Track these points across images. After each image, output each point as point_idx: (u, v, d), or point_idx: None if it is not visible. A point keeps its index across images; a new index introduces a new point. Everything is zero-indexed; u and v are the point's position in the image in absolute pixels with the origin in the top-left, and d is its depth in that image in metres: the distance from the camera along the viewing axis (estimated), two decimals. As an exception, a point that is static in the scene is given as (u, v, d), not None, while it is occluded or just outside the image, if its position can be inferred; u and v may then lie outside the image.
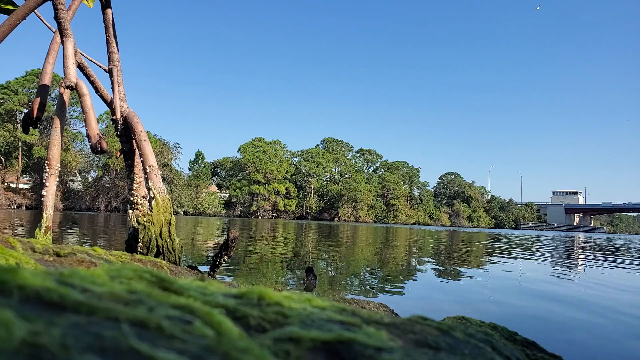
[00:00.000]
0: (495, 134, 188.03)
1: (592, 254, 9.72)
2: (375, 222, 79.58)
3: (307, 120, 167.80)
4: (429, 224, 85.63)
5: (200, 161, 72.74)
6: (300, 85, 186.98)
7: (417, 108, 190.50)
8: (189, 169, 72.06)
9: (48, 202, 3.01)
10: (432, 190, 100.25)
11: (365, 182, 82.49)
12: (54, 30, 3.20)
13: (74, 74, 2.90)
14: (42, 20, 3.37)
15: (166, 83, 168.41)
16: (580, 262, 7.47)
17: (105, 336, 0.38)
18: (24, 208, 47.31)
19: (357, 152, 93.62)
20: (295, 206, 77.19)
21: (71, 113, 52.74)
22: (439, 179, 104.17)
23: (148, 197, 3.17)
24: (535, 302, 3.13)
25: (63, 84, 2.91)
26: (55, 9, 2.86)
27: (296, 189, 78.24)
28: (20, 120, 49.38)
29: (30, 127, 2.97)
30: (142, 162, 3.19)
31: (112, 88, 3.35)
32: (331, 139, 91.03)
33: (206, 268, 3.22)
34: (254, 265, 4.64)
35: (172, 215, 3.21)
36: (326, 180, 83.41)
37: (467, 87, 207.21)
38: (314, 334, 0.51)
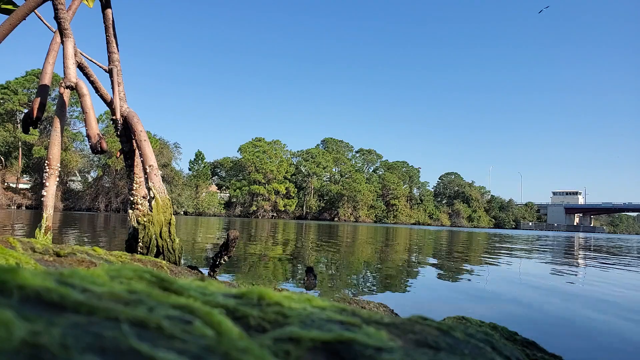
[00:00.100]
0: (495, 134, 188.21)
1: (592, 254, 9.72)
2: (375, 222, 79.59)
3: (307, 120, 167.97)
4: (429, 224, 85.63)
5: (200, 161, 72.75)
6: (300, 85, 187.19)
7: (417, 108, 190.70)
8: (189, 169, 72.12)
9: (48, 202, 3.01)
10: (432, 190, 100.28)
11: (365, 182, 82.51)
12: (54, 30, 3.20)
13: (74, 74, 2.90)
14: (42, 20, 3.37)
15: (166, 83, 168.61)
16: (580, 262, 7.47)
17: (105, 336, 0.38)
18: (24, 208, 47.32)
19: (357, 152, 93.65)
20: (295, 206, 77.20)
21: (71, 113, 52.75)
22: (439, 179, 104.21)
23: (148, 197, 3.17)
24: (535, 302, 3.13)
25: (63, 84, 2.91)
26: (55, 9, 2.86)
27: (296, 189, 78.26)
28: (20, 120, 49.38)
29: (30, 127, 2.97)
30: (142, 162, 3.19)
31: (112, 88, 3.35)
32: (331, 139, 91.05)
33: (206, 268, 3.22)
34: (254, 265, 4.64)
35: (172, 215, 3.21)
36: (326, 180, 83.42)
37: (467, 87, 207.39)
38: (314, 334, 0.51)
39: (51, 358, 0.33)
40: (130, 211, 3.20)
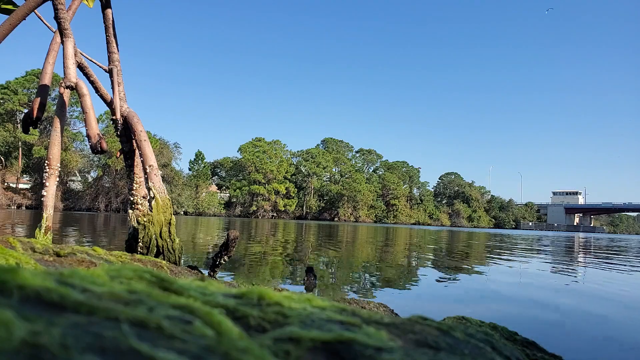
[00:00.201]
0: (495, 134, 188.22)
1: (592, 254, 9.72)
2: (375, 222, 79.59)
3: (307, 120, 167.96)
4: (429, 224, 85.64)
5: (200, 161, 72.76)
6: (300, 85, 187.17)
7: (417, 108, 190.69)
8: (189, 169, 72.13)
9: (48, 202, 3.01)
10: (432, 190, 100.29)
11: (365, 182, 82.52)
12: (54, 30, 3.20)
13: (74, 74, 2.90)
14: (42, 20, 3.37)
15: (166, 83, 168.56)
16: (580, 262, 7.47)
17: (105, 336, 0.38)
18: (24, 208, 47.33)
19: (357, 152, 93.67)
20: (295, 206, 77.21)
21: (71, 113, 52.76)
22: (439, 179, 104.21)
23: (148, 197, 3.17)
24: (535, 302, 3.13)
25: (63, 84, 2.91)
26: (55, 9, 2.86)
27: (296, 189, 78.27)
28: (20, 120, 49.39)
29: (30, 127, 2.98)
30: (142, 162, 3.19)
31: (112, 88, 3.35)
32: (331, 139, 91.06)
33: (206, 268, 3.22)
34: (254, 265, 4.64)
35: (172, 215, 3.21)
36: (326, 180, 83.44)
37: (467, 87, 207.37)
38: (314, 334, 0.51)
39: (51, 358, 0.33)
40: (130, 211, 3.20)
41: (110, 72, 3.39)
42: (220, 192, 76.87)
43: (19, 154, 51.87)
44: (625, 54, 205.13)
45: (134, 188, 3.25)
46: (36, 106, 2.92)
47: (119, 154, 3.40)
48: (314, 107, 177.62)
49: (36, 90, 3.08)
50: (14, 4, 3.18)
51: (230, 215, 68.39)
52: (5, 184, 51.33)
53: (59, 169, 3.09)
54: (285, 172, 76.07)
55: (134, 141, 3.30)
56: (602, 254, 10.07)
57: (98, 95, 3.32)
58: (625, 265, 6.86)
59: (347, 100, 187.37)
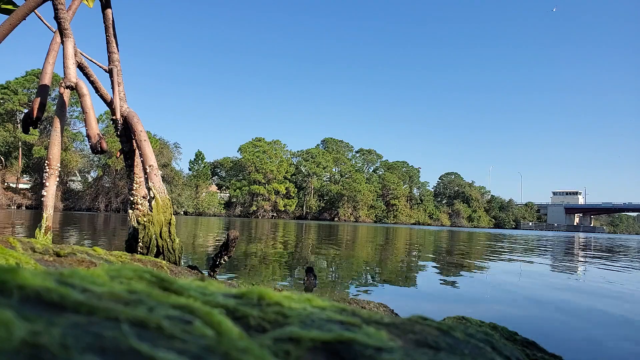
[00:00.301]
0: (495, 134, 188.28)
1: (592, 254, 9.72)
2: (375, 222, 79.58)
3: (307, 120, 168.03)
4: (429, 224, 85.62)
5: (200, 161, 72.75)
6: (300, 85, 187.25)
7: (417, 108, 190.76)
8: (189, 169, 72.12)
9: (48, 202, 3.01)
10: (432, 190, 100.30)
11: (365, 182, 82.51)
12: (54, 30, 3.20)
13: (74, 74, 2.90)
14: (42, 20, 3.37)
15: (166, 83, 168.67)
16: (580, 262, 7.47)
17: (105, 336, 0.38)
18: (24, 208, 47.32)
19: (357, 152, 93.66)
20: (295, 206, 77.21)
21: (71, 113, 52.76)
22: (439, 179, 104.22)
23: (148, 197, 3.17)
24: (535, 302, 3.13)
25: (63, 84, 2.91)
26: (55, 9, 2.86)
27: (296, 189, 78.26)
28: (20, 120, 49.38)
29: (30, 127, 2.97)
30: (142, 162, 3.19)
31: (112, 88, 3.35)
32: (331, 139, 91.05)
33: (206, 268, 3.22)
34: (254, 265, 4.64)
35: (172, 215, 3.21)
36: (326, 180, 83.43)
37: (467, 87, 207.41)
38: (314, 334, 0.51)
39: (51, 358, 0.33)
40: (130, 211, 3.20)
41: (110, 72, 3.39)
42: (220, 192, 76.87)
43: (19, 154, 51.86)
44: (625, 54, 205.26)
45: (134, 188, 3.25)
46: (36, 106, 2.92)
47: (119, 154, 3.40)
48: (314, 107, 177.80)
49: (36, 90, 3.08)
50: (14, 4, 3.18)
51: (230, 215, 68.38)
52: (5, 184, 51.32)
53: (59, 169, 3.09)
54: (285, 172, 76.07)
55: (134, 141, 3.30)
56: (602, 253, 10.06)
57: (98, 95, 3.32)
58: (625, 265, 6.86)
59: (347, 100, 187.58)
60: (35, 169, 51.73)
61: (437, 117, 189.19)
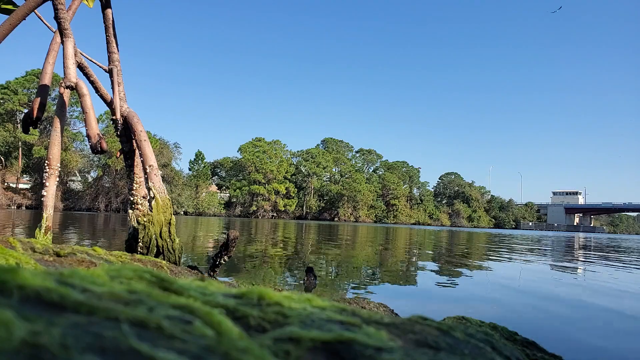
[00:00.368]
0: (495, 134, 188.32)
1: (592, 254, 9.72)
2: (375, 222, 79.59)
3: (307, 120, 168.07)
4: (429, 224, 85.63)
5: (200, 161, 72.75)
6: (300, 85, 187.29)
7: (417, 108, 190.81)
8: (189, 169, 72.12)
9: (48, 202, 3.01)
10: (432, 190, 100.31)
11: (365, 182, 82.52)
12: (54, 30, 3.20)
13: (74, 74, 2.90)
14: (42, 20, 3.37)
15: (166, 83, 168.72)
16: (580, 262, 7.47)
17: (105, 336, 0.38)
18: (24, 208, 47.32)
19: (357, 152, 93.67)
20: (295, 206, 77.21)
21: (71, 113, 52.76)
22: (439, 179, 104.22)
23: (148, 197, 3.17)
24: (535, 302, 3.13)
25: (63, 84, 2.91)
26: (55, 9, 2.86)
27: (296, 189, 78.26)
28: (20, 120, 49.39)
29: (30, 127, 2.97)
30: (142, 162, 3.19)
31: (112, 88, 3.35)
32: (331, 139, 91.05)
33: (206, 268, 3.22)
34: (254, 265, 4.64)
35: (172, 215, 3.21)
36: (326, 180, 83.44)
37: (467, 87, 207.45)
38: (314, 334, 0.51)
39: (51, 358, 0.33)
40: (130, 211, 3.20)
41: (110, 72, 3.39)
42: (220, 192, 76.87)
43: (19, 154, 51.86)
44: (625, 54, 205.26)
45: (134, 188, 3.25)
46: (36, 106, 2.92)
47: (119, 154, 3.40)
48: (314, 107, 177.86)
49: (36, 90, 3.08)
50: (14, 4, 3.18)
51: (230, 215, 68.38)
52: (5, 184, 51.33)
53: (59, 169, 3.09)
54: (285, 172, 76.07)
55: (134, 141, 3.30)
56: (602, 253, 10.07)
57: (98, 95, 3.32)
58: (625, 265, 6.86)
59: (347, 100, 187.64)
60: (35, 169, 51.74)
61: (437, 117, 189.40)
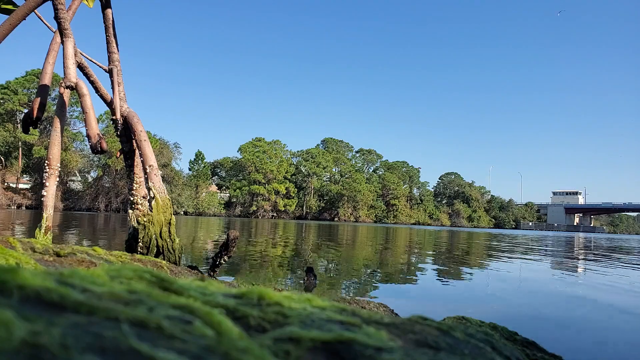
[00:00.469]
0: (495, 134, 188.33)
1: (592, 254, 9.72)
2: (375, 222, 79.60)
3: (307, 120, 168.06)
4: (429, 224, 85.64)
5: (200, 161, 72.76)
6: (300, 85, 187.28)
7: (417, 108, 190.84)
8: (189, 169, 72.12)
9: (48, 202, 3.01)
10: (432, 190, 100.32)
11: (365, 182, 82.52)
12: (54, 30, 3.20)
13: (74, 74, 2.90)
14: (42, 20, 3.37)
15: (166, 83, 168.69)
16: (580, 262, 7.47)
17: (105, 336, 0.38)
18: (24, 208, 47.33)
19: (357, 152, 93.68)
20: (295, 206, 77.21)
21: (71, 113, 52.76)
22: (439, 179, 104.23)
23: (148, 197, 3.17)
24: (535, 302, 3.13)
25: (63, 84, 2.91)
26: (55, 9, 2.86)
27: (296, 189, 78.27)
28: (20, 120, 49.40)
29: (30, 127, 2.97)
30: (142, 162, 3.19)
31: (112, 88, 3.35)
32: (331, 139, 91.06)
33: (206, 268, 3.22)
34: (254, 265, 4.64)
35: (172, 215, 3.21)
36: (326, 180, 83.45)
37: (467, 87, 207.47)
38: (314, 334, 0.51)
39: (51, 358, 0.33)
40: (130, 211, 3.20)
41: (110, 72, 3.39)
42: (220, 192, 76.88)
43: (19, 154, 51.87)
44: (625, 54, 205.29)
45: (134, 188, 3.25)
46: (36, 106, 2.92)
47: (119, 154, 3.40)
48: (314, 107, 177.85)
49: (36, 90, 3.08)
50: (14, 4, 3.18)
51: (230, 215, 68.39)
52: (5, 184, 51.33)
53: (59, 169, 3.09)
54: (285, 172, 76.08)
55: (134, 141, 3.30)
56: (602, 253, 10.06)
57: (98, 95, 3.32)
58: (625, 265, 6.86)
59: (347, 100, 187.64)
60: (35, 169, 51.74)
61: (437, 117, 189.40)
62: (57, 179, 3.10)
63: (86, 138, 2.97)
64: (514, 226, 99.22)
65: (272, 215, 73.91)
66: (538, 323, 2.47)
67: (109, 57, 3.43)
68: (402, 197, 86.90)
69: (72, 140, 53.58)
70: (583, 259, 8.09)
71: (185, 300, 0.51)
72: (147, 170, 3.15)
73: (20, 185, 53.78)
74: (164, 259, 2.95)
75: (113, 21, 3.42)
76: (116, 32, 3.44)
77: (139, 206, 3.16)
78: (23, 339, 0.34)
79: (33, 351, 0.34)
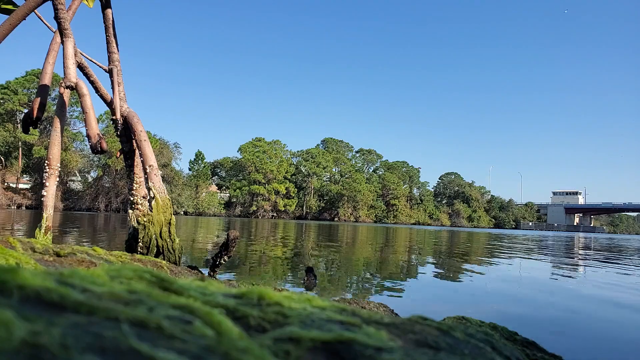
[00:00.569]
0: (495, 134, 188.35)
1: (592, 254, 9.72)
2: (375, 222, 79.60)
3: (307, 120, 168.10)
4: (429, 224, 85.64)
5: (200, 161, 72.78)
6: (300, 85, 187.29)
7: (417, 108, 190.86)
8: (189, 169, 72.16)
9: (48, 202, 3.01)
10: (432, 190, 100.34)
11: (365, 182, 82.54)
12: (54, 30, 3.20)
13: (74, 74, 2.90)
14: (42, 20, 3.37)
15: (166, 83, 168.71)
16: (580, 262, 7.47)
17: (105, 336, 0.38)
18: (24, 208, 47.33)
19: (357, 152, 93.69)
20: (295, 206, 77.23)
21: (71, 113, 52.77)
22: (439, 179, 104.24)
23: (148, 197, 3.17)
24: (535, 302, 3.13)
25: (63, 84, 2.91)
26: (55, 9, 2.86)
27: (296, 189, 78.28)
28: (20, 120, 49.40)
29: (30, 127, 2.97)
30: (142, 162, 3.19)
31: (112, 88, 3.35)
32: (331, 139, 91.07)
33: (206, 268, 3.22)
34: (254, 265, 4.64)
35: (172, 215, 3.21)
36: (326, 180, 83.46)
37: (467, 87, 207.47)
38: (314, 334, 0.51)
39: (51, 358, 0.33)
40: (130, 211, 3.20)
41: (110, 72, 3.39)
42: (220, 192, 76.89)
43: (19, 154, 51.88)
44: (625, 54, 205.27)
45: (134, 188, 3.25)
46: (36, 106, 2.92)
47: (119, 154, 3.40)
48: (314, 107, 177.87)
49: (36, 90, 3.08)
50: (14, 4, 3.18)
51: (230, 215, 68.39)
52: (5, 184, 51.34)
53: (59, 169, 3.09)
54: (285, 172, 76.09)
55: (134, 141, 3.30)
56: (602, 254, 10.07)
57: (98, 95, 3.32)
58: (625, 265, 6.86)
59: (347, 100, 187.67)
60: (35, 169, 51.75)
61: (437, 117, 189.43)
62: (57, 179, 3.10)
63: (86, 138, 2.97)
64: (514, 226, 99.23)
65: (272, 215, 73.91)
66: (538, 323, 2.47)
67: (109, 57, 3.43)
68: (402, 197, 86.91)
69: (72, 140, 53.60)
70: (583, 259, 8.09)
71: (185, 300, 0.51)
72: (147, 170, 3.15)
73: (20, 185, 53.79)
74: (164, 259, 2.95)
75: (113, 21, 3.42)
76: (116, 32, 3.44)
77: (139, 206, 3.16)
78: (23, 339, 0.34)
79: (33, 351, 0.34)
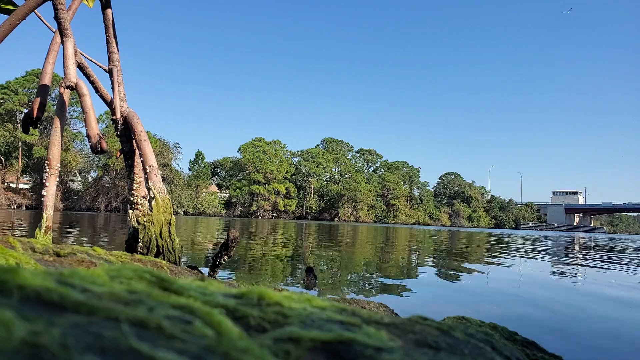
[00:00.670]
0: (495, 134, 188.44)
1: (592, 254, 9.72)
2: (375, 222, 79.58)
3: (307, 120, 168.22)
4: (429, 224, 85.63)
5: (200, 161, 72.77)
6: (300, 85, 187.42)
7: (417, 108, 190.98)
8: (189, 169, 72.17)
9: (48, 202, 3.01)
10: (432, 190, 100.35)
11: (365, 182, 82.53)
12: (54, 30, 3.20)
13: (74, 74, 2.90)
14: (42, 20, 3.37)
15: (166, 83, 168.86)
16: (580, 262, 7.47)
17: (105, 336, 0.38)
18: (24, 208, 47.32)
19: (357, 152, 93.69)
20: (295, 206, 77.22)
21: (71, 113, 52.77)
22: (439, 179, 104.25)
23: (148, 197, 3.17)
24: (535, 302, 3.13)
25: (63, 84, 2.91)
26: (55, 9, 2.86)
27: (296, 189, 78.28)
28: (20, 120, 49.39)
29: (30, 127, 2.97)
30: (142, 162, 3.19)
31: (112, 88, 3.35)
32: (331, 139, 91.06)
33: (206, 268, 3.22)
34: (254, 265, 4.64)
35: (172, 215, 3.21)
36: (326, 180, 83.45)
37: (467, 87, 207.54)
38: (314, 334, 0.51)
39: (51, 358, 0.33)
40: (130, 211, 3.20)
41: (110, 72, 3.39)
42: (220, 192, 76.89)
43: (19, 154, 51.87)
44: (625, 54, 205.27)
45: (134, 188, 3.25)
46: (36, 106, 2.92)
47: (119, 154, 3.40)
48: (314, 107, 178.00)
49: (36, 90, 3.08)
50: (14, 4, 3.18)
51: (230, 215, 68.38)
52: (5, 184, 51.33)
53: (59, 169, 3.09)
54: (285, 172, 76.09)
55: (134, 141, 3.30)
56: (602, 254, 10.07)
57: (98, 95, 3.31)
58: (625, 265, 6.86)
59: (347, 100, 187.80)
60: (35, 169, 51.76)
61: (437, 117, 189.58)
62: (57, 179, 3.10)
63: (86, 138, 2.97)
64: (514, 226, 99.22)
65: (272, 215, 73.91)
66: (538, 323, 2.47)
67: (109, 57, 3.42)
68: (402, 197, 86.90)
69: (72, 140, 53.61)
70: (583, 259, 8.09)
71: (185, 300, 0.51)
72: (147, 170, 3.15)
73: (20, 185, 53.79)
74: (164, 259, 2.95)
75: (113, 21, 3.42)
76: (116, 32, 3.44)
77: (139, 206, 3.16)
78: (23, 339, 0.34)
79: (33, 351, 0.34)
